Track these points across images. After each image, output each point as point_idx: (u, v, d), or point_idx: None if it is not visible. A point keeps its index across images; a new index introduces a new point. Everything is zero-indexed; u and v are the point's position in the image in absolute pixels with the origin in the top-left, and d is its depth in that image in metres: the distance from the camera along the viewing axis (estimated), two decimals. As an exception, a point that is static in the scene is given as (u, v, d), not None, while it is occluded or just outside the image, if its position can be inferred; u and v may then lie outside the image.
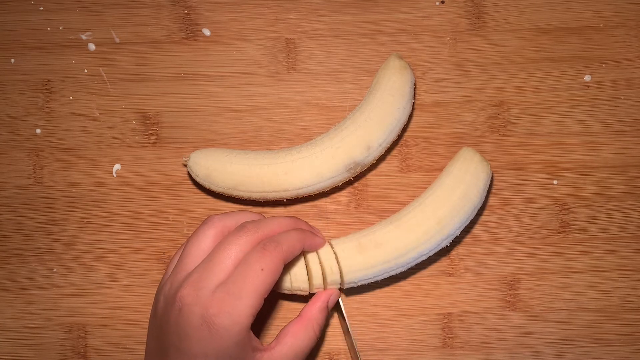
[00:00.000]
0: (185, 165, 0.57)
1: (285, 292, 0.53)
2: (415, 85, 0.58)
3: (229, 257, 0.47)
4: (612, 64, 0.59)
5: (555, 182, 0.58)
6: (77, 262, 0.58)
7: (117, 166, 0.58)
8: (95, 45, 0.59)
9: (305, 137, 0.58)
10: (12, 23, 0.59)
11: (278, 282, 0.52)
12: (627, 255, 0.57)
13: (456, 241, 0.58)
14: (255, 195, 0.55)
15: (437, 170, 0.57)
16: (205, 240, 0.49)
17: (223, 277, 0.47)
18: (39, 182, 0.58)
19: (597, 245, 0.57)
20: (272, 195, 0.55)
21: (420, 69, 0.59)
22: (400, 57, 0.57)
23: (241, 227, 0.49)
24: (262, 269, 0.47)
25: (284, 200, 0.57)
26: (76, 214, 0.58)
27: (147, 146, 0.59)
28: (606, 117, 0.58)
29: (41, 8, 0.60)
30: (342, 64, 0.59)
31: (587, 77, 0.59)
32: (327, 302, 0.53)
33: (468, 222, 0.54)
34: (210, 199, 0.58)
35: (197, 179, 0.56)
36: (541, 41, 0.59)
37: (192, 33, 0.59)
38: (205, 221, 0.50)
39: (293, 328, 0.51)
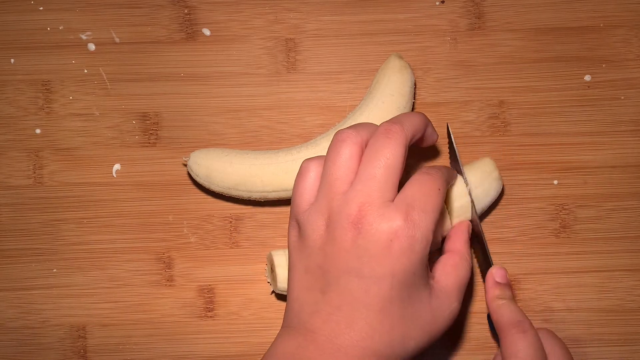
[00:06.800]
0: (185, 165, 0.57)
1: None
2: (415, 85, 0.58)
3: (393, 169, 0.45)
4: (612, 64, 0.59)
5: (555, 182, 0.58)
6: (77, 262, 0.58)
7: (117, 166, 0.58)
8: (95, 45, 0.59)
9: (305, 137, 0.58)
10: (12, 23, 0.59)
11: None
12: (627, 255, 0.57)
13: (456, 241, 0.58)
14: (255, 195, 0.55)
15: (437, 170, 0.57)
16: (351, 159, 0.46)
17: (394, 192, 0.45)
18: (39, 182, 0.58)
19: (597, 245, 0.57)
20: (272, 195, 0.55)
21: (420, 69, 0.59)
22: (401, 57, 0.57)
23: (387, 131, 0.46)
24: (439, 189, 0.46)
25: (284, 200, 0.57)
26: (76, 214, 0.58)
27: (147, 146, 0.59)
28: (606, 117, 0.58)
29: (41, 8, 0.60)
30: (342, 64, 0.59)
31: (587, 77, 0.59)
32: (469, 234, 0.52)
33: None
34: (210, 199, 0.58)
35: (197, 179, 0.56)
36: (541, 41, 0.59)
37: (192, 33, 0.59)
38: (341, 138, 0.47)
39: (449, 261, 0.49)
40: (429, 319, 0.46)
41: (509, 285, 0.52)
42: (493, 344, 0.57)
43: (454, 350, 0.57)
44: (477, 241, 0.54)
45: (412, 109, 0.58)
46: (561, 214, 0.58)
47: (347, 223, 0.45)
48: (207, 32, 0.59)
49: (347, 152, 0.46)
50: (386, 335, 0.45)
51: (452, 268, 0.49)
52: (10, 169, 0.59)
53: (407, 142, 0.47)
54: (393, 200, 0.45)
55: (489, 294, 0.51)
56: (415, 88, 0.58)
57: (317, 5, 0.59)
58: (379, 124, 0.48)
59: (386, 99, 0.55)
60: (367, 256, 0.44)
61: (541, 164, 0.58)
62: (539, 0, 0.59)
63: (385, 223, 0.44)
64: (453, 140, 0.54)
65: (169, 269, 0.58)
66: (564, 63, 0.59)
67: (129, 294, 0.58)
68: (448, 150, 0.56)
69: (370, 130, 0.48)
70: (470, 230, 0.53)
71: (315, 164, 0.48)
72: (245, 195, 0.55)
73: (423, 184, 0.46)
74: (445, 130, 0.56)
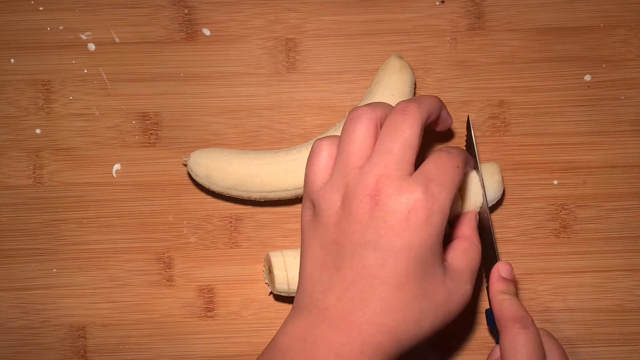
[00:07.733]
0: (185, 165, 0.57)
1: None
2: (415, 85, 0.58)
3: (410, 145, 0.45)
4: (612, 64, 0.59)
5: (555, 182, 0.58)
6: (77, 262, 0.58)
7: (117, 166, 0.58)
8: (95, 45, 0.59)
9: (305, 137, 0.58)
10: (12, 23, 0.59)
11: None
12: (627, 255, 0.57)
13: (456, 241, 0.58)
14: (255, 195, 0.55)
15: (437, 170, 0.57)
16: (367, 135, 0.46)
17: (411, 168, 0.45)
18: (39, 182, 0.58)
19: (597, 245, 0.57)
20: (272, 195, 0.55)
21: (420, 69, 0.59)
22: (401, 57, 0.57)
23: (403, 109, 0.46)
24: (457, 166, 0.46)
25: (284, 200, 0.57)
26: (76, 214, 0.58)
27: (147, 146, 0.59)
28: (606, 117, 0.58)
29: (41, 8, 0.60)
30: (342, 64, 0.59)
31: (587, 77, 0.59)
32: (477, 222, 0.52)
33: None
34: (210, 199, 0.58)
35: (197, 179, 0.56)
36: (541, 41, 0.59)
37: (192, 33, 0.59)
38: (356, 115, 0.46)
39: (460, 246, 0.49)
40: (444, 298, 0.46)
41: (514, 281, 0.51)
42: (493, 344, 0.57)
43: (454, 350, 0.57)
44: (484, 235, 0.54)
45: (412, 109, 0.58)
46: (561, 214, 0.58)
47: (364, 195, 0.44)
48: (207, 32, 0.59)
49: (363, 129, 0.46)
50: (401, 312, 0.44)
51: (462, 252, 0.48)
52: (10, 169, 0.59)
53: (424, 121, 0.46)
54: (410, 176, 0.45)
55: (493, 288, 0.50)
56: (415, 88, 0.58)
57: (317, 5, 0.59)
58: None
59: (386, 99, 0.55)
60: (385, 228, 0.43)
61: (541, 164, 0.58)
62: (539, 0, 0.59)
63: (403, 195, 0.43)
64: (472, 133, 0.54)
65: (169, 269, 0.58)
66: (564, 63, 0.59)
67: (129, 294, 0.58)
68: (465, 143, 0.56)
69: (385, 109, 0.47)
70: (478, 220, 0.53)
71: (328, 143, 0.48)
72: (245, 195, 0.55)
73: (441, 160, 0.46)
74: (465, 123, 0.56)
